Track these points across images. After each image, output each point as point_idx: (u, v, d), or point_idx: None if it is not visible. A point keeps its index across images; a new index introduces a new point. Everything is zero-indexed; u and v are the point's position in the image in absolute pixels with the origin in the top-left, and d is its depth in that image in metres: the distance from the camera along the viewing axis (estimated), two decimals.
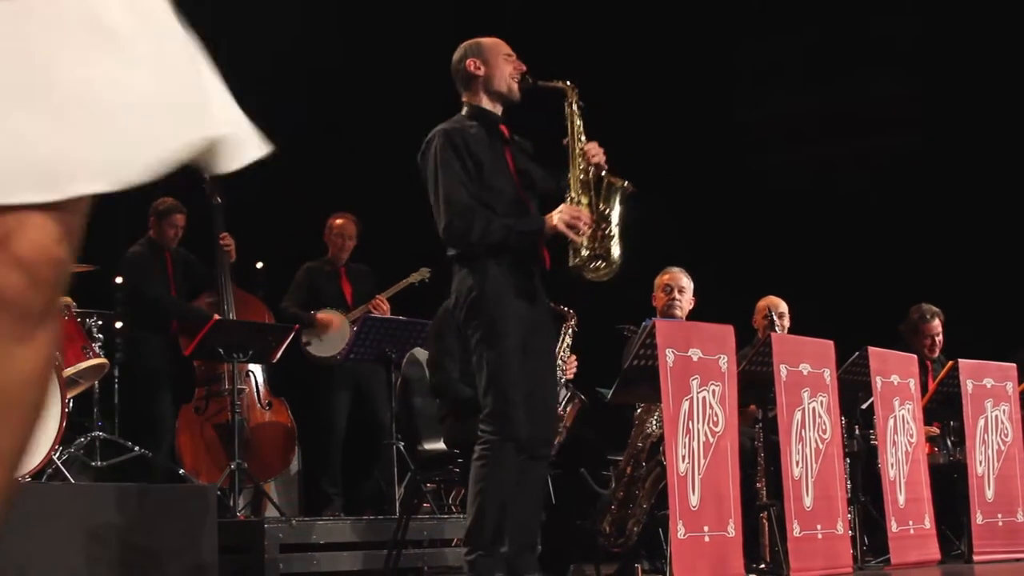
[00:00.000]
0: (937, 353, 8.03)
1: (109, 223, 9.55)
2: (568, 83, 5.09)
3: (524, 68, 5.07)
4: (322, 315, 8.03)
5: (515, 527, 4.81)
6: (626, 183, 4.99)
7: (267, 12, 9.54)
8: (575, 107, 5.05)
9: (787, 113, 10.63)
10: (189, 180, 8.00)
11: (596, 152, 5.00)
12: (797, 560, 5.74)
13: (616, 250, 4.94)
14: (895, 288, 8.81)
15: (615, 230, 4.95)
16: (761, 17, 10.41)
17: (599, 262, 4.92)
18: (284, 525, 6.23)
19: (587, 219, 4.84)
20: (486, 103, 5.05)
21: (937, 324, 8.05)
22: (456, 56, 5.11)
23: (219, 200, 7.92)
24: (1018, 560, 6.95)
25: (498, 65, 5.04)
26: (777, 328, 7.12)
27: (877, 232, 10.16)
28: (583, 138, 5.02)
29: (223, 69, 1.66)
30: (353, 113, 10.12)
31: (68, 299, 6.63)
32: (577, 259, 4.90)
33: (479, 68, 5.03)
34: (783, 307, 7.43)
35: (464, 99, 5.09)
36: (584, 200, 4.91)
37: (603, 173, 4.98)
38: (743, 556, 5.49)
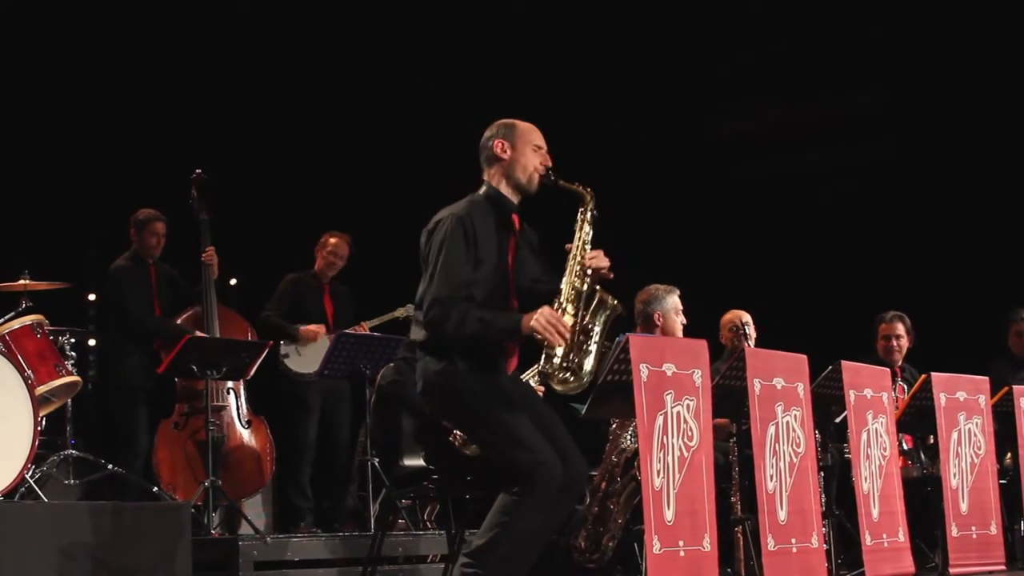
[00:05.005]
0: (898, 358, 8.04)
1: (82, 242, 9.54)
2: (588, 189, 4.98)
3: (550, 163, 4.99)
4: (307, 328, 8.01)
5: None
6: (617, 303, 4.91)
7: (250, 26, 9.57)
8: (589, 215, 4.95)
9: (759, 126, 10.67)
10: (176, 196, 8.01)
11: (601, 262, 4.89)
12: (772, 574, 5.75)
13: (588, 366, 4.87)
14: (869, 301, 8.83)
15: (593, 347, 4.87)
16: (735, 30, 10.45)
17: (569, 374, 4.85)
18: (258, 542, 6.22)
19: (565, 331, 4.71)
20: (504, 188, 4.97)
21: (897, 327, 8.07)
22: (487, 133, 5.03)
23: (206, 216, 7.90)
24: (992, 572, 6.98)
25: (525, 153, 4.96)
26: (747, 338, 7.17)
27: (850, 245, 10.20)
28: (588, 248, 4.93)
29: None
30: (340, 133, 10.14)
31: (41, 317, 6.60)
32: (548, 366, 4.83)
33: (505, 151, 4.95)
34: (747, 317, 7.48)
35: (484, 177, 5.02)
36: (571, 309, 4.83)
37: (597, 287, 4.89)
38: (718, 570, 5.50)
